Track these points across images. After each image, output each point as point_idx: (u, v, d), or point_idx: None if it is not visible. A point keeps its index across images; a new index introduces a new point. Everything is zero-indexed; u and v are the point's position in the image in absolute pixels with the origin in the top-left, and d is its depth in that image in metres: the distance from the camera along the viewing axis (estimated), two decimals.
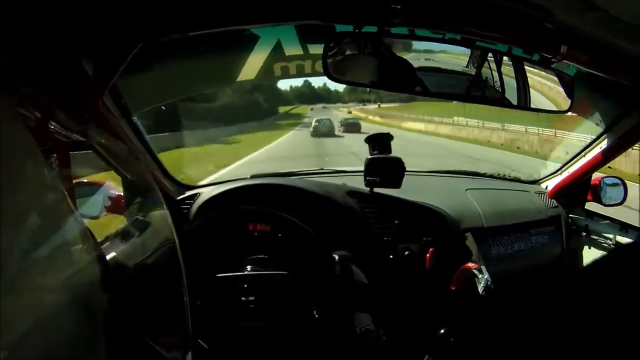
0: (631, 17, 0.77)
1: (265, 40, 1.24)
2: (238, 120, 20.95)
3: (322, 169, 1.93)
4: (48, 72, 0.82)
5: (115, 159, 0.93)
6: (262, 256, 1.35)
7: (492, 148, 13.89)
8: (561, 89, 1.07)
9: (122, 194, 1.14)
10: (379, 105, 33.96)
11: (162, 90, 1.39)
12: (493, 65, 1.01)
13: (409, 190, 1.55)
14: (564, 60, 0.95)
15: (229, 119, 19.46)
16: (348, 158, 9.46)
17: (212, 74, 1.42)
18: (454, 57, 0.99)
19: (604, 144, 1.46)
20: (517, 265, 1.59)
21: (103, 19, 0.80)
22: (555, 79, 1.07)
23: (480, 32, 0.88)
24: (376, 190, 1.52)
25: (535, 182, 1.91)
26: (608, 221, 1.62)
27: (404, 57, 0.94)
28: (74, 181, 0.88)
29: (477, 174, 2.06)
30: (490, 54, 0.98)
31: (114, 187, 1.15)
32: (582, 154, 1.58)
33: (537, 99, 1.07)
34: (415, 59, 0.95)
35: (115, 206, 1.15)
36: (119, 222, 1.09)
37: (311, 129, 19.20)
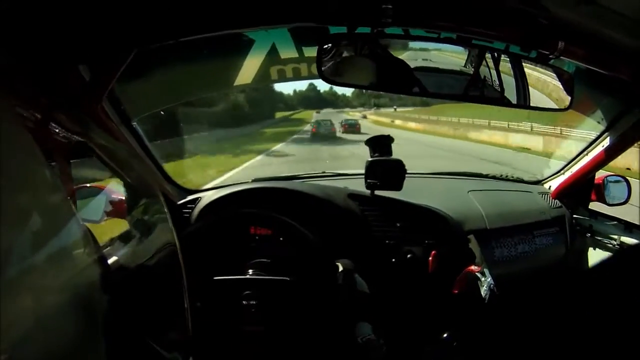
0: (628, 10, 0.76)
1: (260, 44, 1.24)
2: (239, 124, 20.83)
3: (323, 172, 1.93)
4: (46, 77, 0.82)
5: (117, 162, 0.93)
6: (263, 260, 1.34)
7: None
8: (560, 86, 1.06)
9: (123, 197, 1.15)
10: (395, 109, 32.80)
11: (161, 95, 1.40)
12: (491, 64, 1.00)
13: (411, 193, 1.54)
14: (562, 57, 0.94)
15: (230, 124, 19.38)
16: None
17: (209, 79, 1.43)
18: (451, 56, 0.98)
19: (606, 142, 1.44)
20: (521, 267, 1.57)
21: (97, 25, 0.81)
22: (554, 76, 1.06)
23: (475, 30, 0.88)
24: (377, 192, 1.51)
25: (538, 182, 1.89)
26: (612, 221, 1.60)
27: (400, 57, 0.94)
28: (75, 184, 0.88)
29: (480, 175, 2.04)
30: (487, 53, 0.98)
31: (115, 190, 1.15)
32: (585, 152, 1.57)
33: (537, 97, 1.06)
34: (412, 59, 0.95)
35: (116, 209, 1.15)
36: (120, 225, 1.10)
37: (310, 132, 19.00)
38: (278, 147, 16.63)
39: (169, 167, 1.54)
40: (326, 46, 0.88)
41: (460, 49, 0.98)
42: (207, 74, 1.37)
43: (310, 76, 1.44)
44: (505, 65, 1.00)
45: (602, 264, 1.58)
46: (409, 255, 1.49)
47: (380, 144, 1.48)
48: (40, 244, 0.46)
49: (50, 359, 0.45)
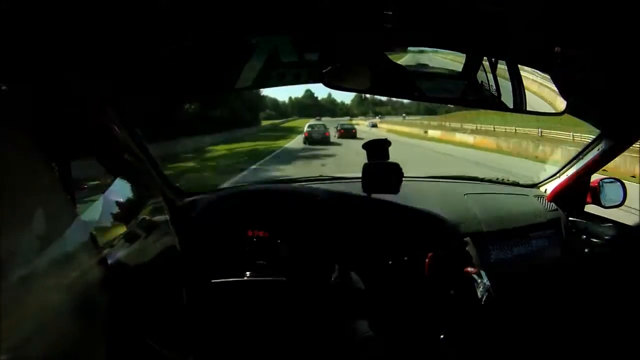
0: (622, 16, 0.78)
1: (262, 49, 1.25)
2: (236, 130, 20.44)
3: (320, 175, 1.94)
4: (47, 79, 0.83)
5: (118, 164, 0.94)
6: (261, 262, 1.35)
7: None
8: (556, 91, 1.08)
9: (124, 198, 1.15)
10: (404, 117, 29.44)
11: (161, 98, 1.40)
12: (488, 69, 1.01)
13: (407, 196, 1.55)
14: (559, 62, 0.96)
15: (225, 129, 18.95)
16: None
17: (210, 82, 1.44)
18: (449, 60, 1.00)
19: (601, 146, 1.46)
20: (517, 269, 1.58)
21: (101, 30, 0.81)
22: (550, 80, 1.07)
23: (472, 36, 0.89)
24: (374, 196, 1.52)
25: (534, 185, 1.91)
26: (608, 223, 1.62)
27: (399, 62, 0.95)
28: (77, 186, 0.88)
29: (476, 178, 2.06)
30: (485, 58, 0.99)
31: (116, 192, 1.16)
32: (580, 156, 1.59)
33: (533, 101, 1.08)
34: (412, 64, 0.96)
35: (117, 211, 1.15)
36: (121, 227, 1.10)
37: (303, 137, 17.86)
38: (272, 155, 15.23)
39: (167, 169, 1.54)
40: (327, 51, 0.89)
41: (458, 53, 1.00)
42: (208, 77, 1.38)
43: (311, 80, 1.45)
44: (502, 70, 1.02)
45: (598, 266, 1.60)
46: (405, 258, 1.50)
47: (378, 148, 1.49)
48: (43, 246, 0.47)
49: (53, 359, 0.46)
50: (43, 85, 0.79)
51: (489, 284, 1.35)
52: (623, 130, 1.37)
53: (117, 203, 1.16)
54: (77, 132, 0.81)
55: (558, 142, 13.88)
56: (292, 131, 25.25)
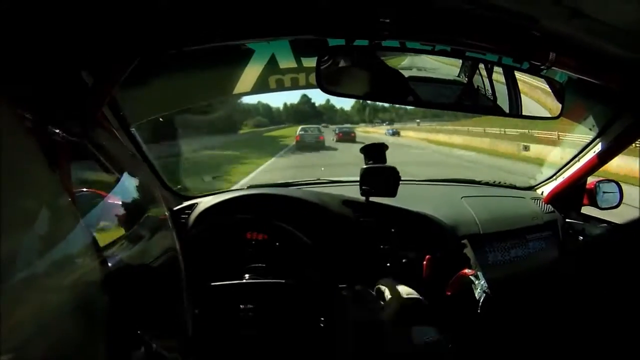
0: (619, 22, 0.78)
1: (260, 54, 1.26)
2: (235, 135, 19.45)
3: (318, 179, 1.95)
4: (48, 81, 0.83)
5: (119, 165, 0.94)
6: (259, 265, 1.36)
7: None
8: (552, 95, 1.08)
9: (124, 201, 1.15)
10: (418, 124, 25.22)
11: (160, 102, 1.41)
12: (484, 74, 1.02)
13: (405, 199, 1.56)
14: (554, 68, 0.97)
15: (226, 134, 17.95)
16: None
17: (209, 87, 1.44)
18: (445, 66, 1.00)
19: (597, 148, 1.47)
20: (514, 271, 1.59)
21: (102, 33, 0.82)
22: (546, 85, 1.08)
23: (469, 43, 0.90)
24: (372, 199, 1.53)
25: (531, 188, 1.92)
26: (604, 224, 1.63)
27: (396, 68, 0.96)
28: (77, 188, 0.89)
29: (473, 181, 2.07)
30: (480, 64, 1.00)
31: (116, 194, 1.16)
32: (577, 158, 1.60)
33: (529, 106, 1.09)
34: (407, 70, 0.97)
35: (117, 213, 1.16)
36: (121, 229, 1.10)
37: (294, 142, 16.61)
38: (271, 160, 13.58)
39: (163, 172, 1.55)
40: (325, 57, 0.90)
41: (454, 59, 1.01)
42: (207, 82, 1.39)
43: (308, 86, 1.46)
44: (498, 75, 1.03)
45: (595, 267, 1.60)
46: (403, 260, 1.51)
47: (375, 152, 1.50)
48: (42, 247, 0.47)
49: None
50: (43, 86, 0.80)
51: (486, 285, 1.35)
52: (618, 133, 1.38)
53: (119, 204, 1.17)
54: (77, 132, 0.81)
55: None
56: (271, 144, 18.75)
